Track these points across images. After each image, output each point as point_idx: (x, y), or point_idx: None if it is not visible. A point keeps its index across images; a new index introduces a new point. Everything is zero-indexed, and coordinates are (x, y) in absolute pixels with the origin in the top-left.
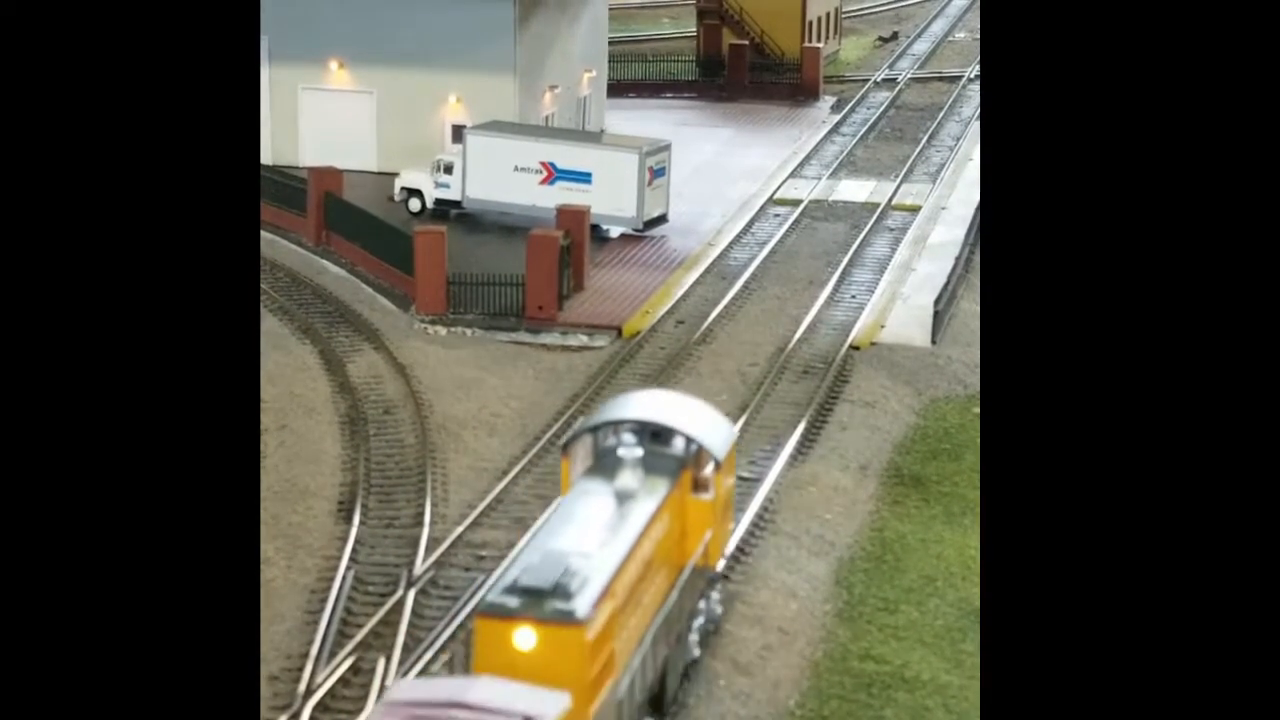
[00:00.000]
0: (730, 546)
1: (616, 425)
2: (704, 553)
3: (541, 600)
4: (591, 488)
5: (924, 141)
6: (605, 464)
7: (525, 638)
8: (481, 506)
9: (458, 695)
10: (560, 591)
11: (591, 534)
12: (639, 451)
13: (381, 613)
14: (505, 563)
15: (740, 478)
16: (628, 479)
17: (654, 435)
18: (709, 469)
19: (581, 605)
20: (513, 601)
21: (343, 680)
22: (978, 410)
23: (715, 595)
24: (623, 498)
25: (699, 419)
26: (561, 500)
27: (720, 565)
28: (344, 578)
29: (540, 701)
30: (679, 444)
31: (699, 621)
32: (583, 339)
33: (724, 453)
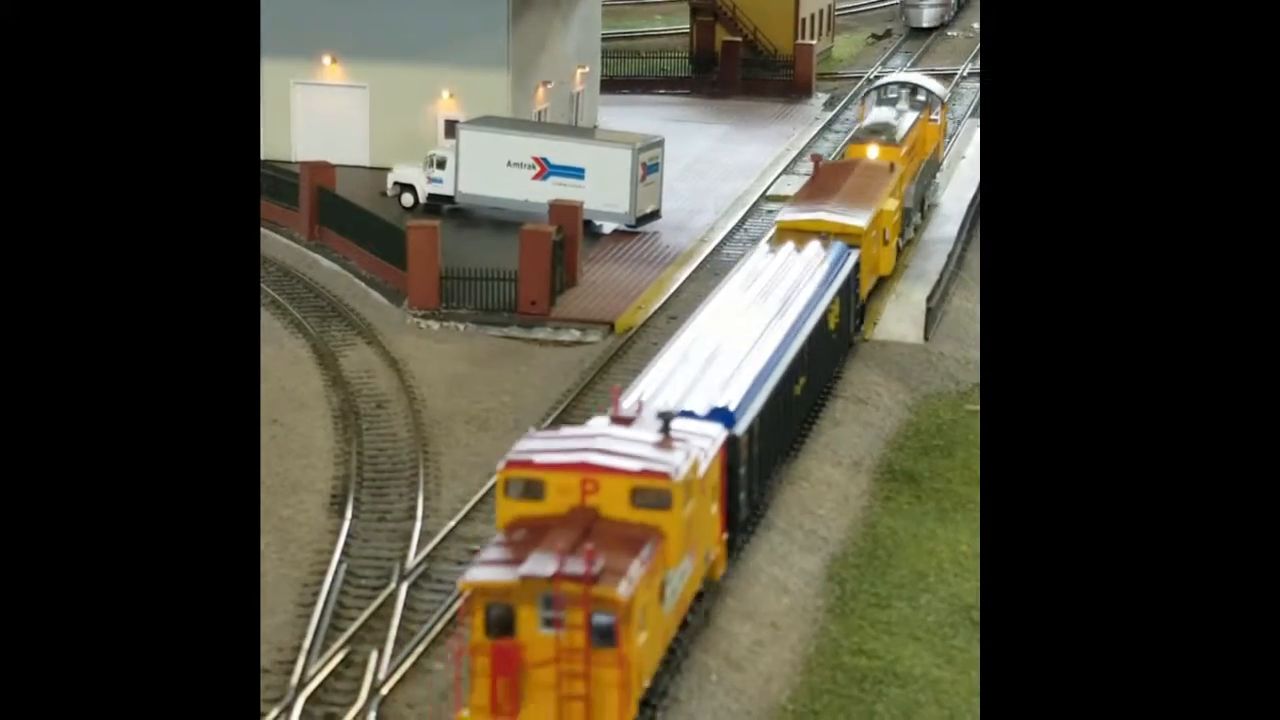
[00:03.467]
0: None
1: (888, 85)
2: (934, 153)
3: (879, 134)
4: (882, 108)
5: None
6: (885, 101)
7: (873, 150)
8: (474, 501)
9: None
10: (887, 130)
11: (892, 120)
12: (903, 92)
13: (374, 606)
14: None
15: None
16: (901, 105)
17: (911, 90)
18: (937, 109)
19: (898, 136)
20: (865, 136)
21: (335, 673)
22: (970, 406)
23: (938, 177)
24: (899, 113)
25: (932, 82)
26: (864, 116)
27: (942, 161)
28: (336, 571)
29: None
30: (922, 94)
31: (931, 186)
32: (575, 334)
33: (945, 99)
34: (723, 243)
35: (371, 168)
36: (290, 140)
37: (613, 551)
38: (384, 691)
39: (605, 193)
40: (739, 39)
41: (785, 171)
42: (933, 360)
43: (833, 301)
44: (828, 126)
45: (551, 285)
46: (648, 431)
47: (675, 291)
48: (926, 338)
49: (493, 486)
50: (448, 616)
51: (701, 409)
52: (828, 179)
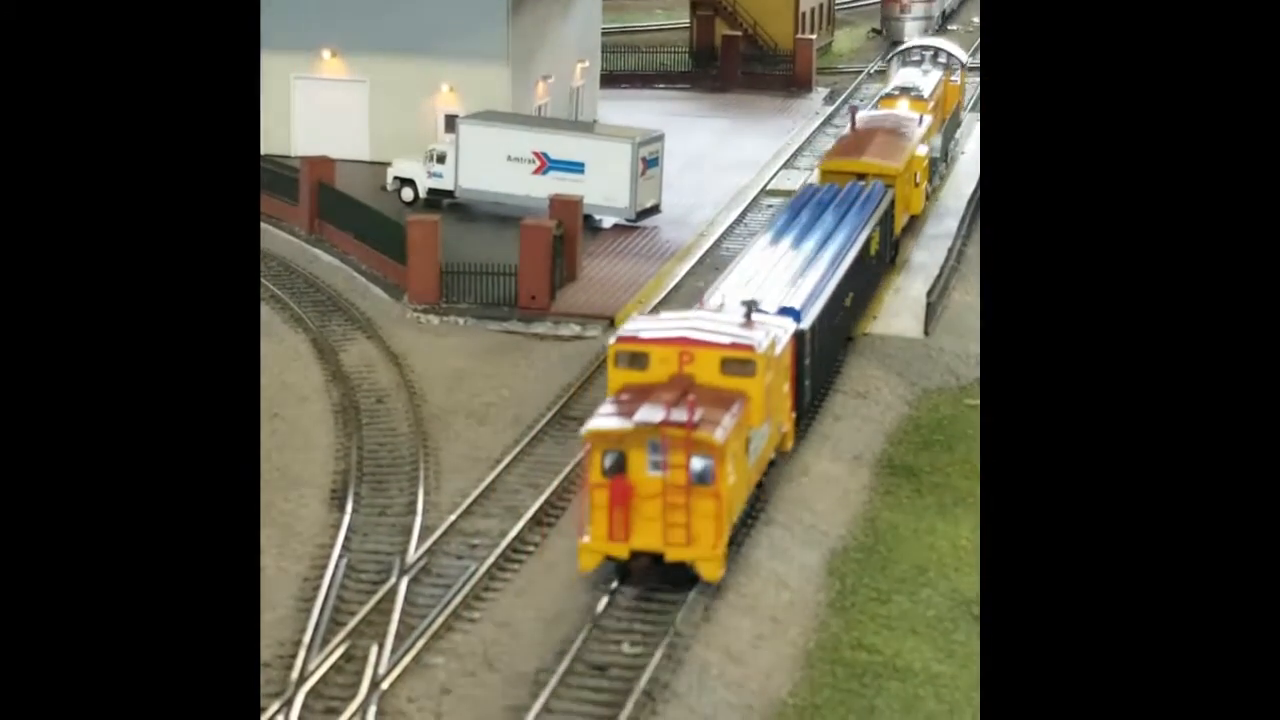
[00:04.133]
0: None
1: (912, 49)
2: (955, 110)
3: (908, 90)
4: (908, 69)
5: None
6: (911, 63)
7: (903, 105)
8: (474, 495)
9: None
10: (916, 91)
11: (918, 79)
12: (927, 55)
13: (374, 601)
14: (885, 85)
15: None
16: (926, 67)
17: (934, 53)
18: (957, 71)
19: (925, 93)
20: (896, 93)
21: (335, 667)
22: (970, 401)
23: (957, 133)
24: (924, 72)
25: (953, 46)
26: (890, 79)
27: (962, 116)
28: (336, 566)
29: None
30: (944, 57)
31: (954, 141)
32: (575, 329)
33: (966, 62)
34: (723, 237)
35: (371, 162)
36: (290, 135)
37: (708, 408)
38: (384, 686)
39: (605, 187)
40: (739, 33)
41: (785, 166)
42: (933, 355)
43: (873, 231)
44: (828, 121)
45: (551, 280)
46: (733, 316)
47: (675, 286)
48: (927, 332)
49: (493, 480)
50: (449, 610)
51: (774, 307)
52: (864, 129)
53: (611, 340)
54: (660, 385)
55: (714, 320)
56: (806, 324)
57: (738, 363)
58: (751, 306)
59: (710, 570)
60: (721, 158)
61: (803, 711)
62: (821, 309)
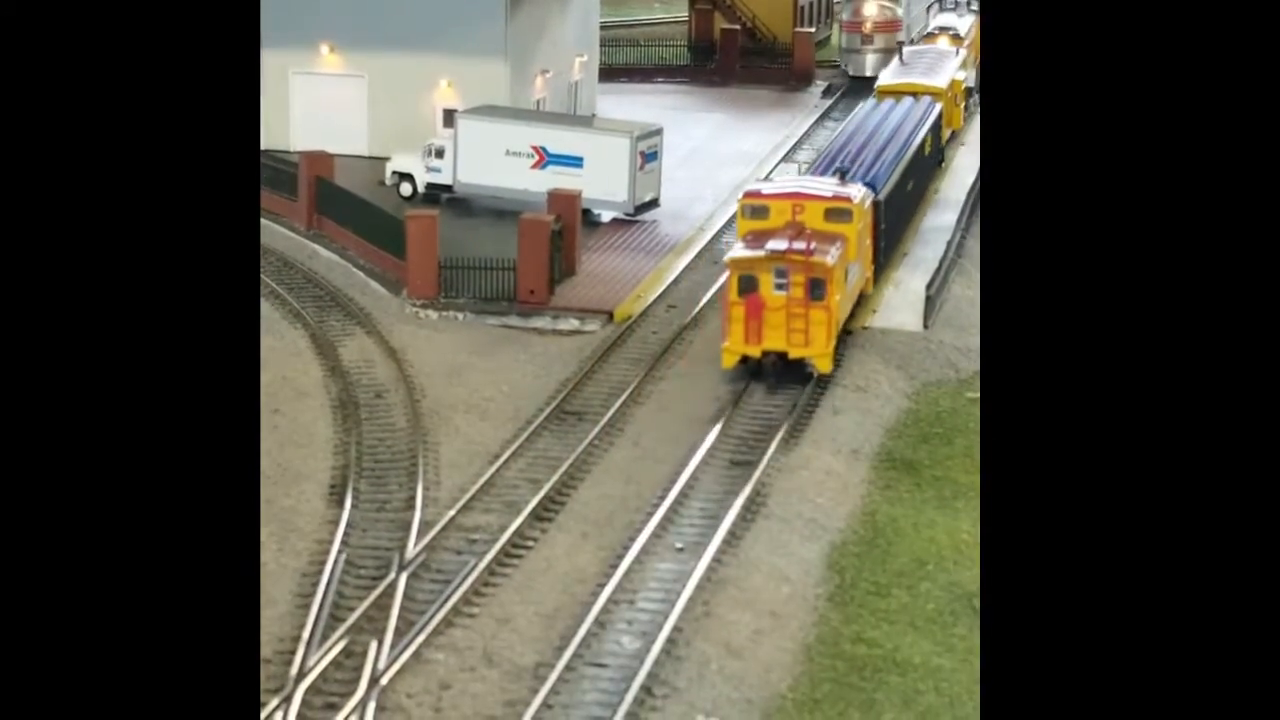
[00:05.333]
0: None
1: None
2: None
3: (946, 30)
4: (945, 14)
5: None
6: (947, 9)
7: (943, 41)
8: (473, 490)
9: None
10: (953, 30)
11: (955, 21)
12: (961, 2)
13: (373, 596)
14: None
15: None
16: (960, 11)
17: (968, 1)
18: None
19: (960, 31)
20: (936, 31)
21: (335, 663)
22: (970, 394)
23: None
24: (959, 16)
25: None
26: (929, 20)
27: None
28: (336, 561)
29: (953, 50)
30: (976, 3)
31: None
32: (574, 323)
33: None
34: (722, 231)
35: (370, 157)
36: (288, 130)
37: (818, 243)
38: (383, 682)
39: (604, 181)
40: (737, 27)
41: (784, 160)
42: (932, 348)
43: (926, 135)
44: (826, 114)
45: (550, 274)
46: (830, 180)
47: (674, 280)
48: (926, 326)
49: (492, 475)
50: (448, 606)
51: (858, 181)
52: (910, 59)
53: (739, 195)
54: (778, 229)
55: (817, 181)
56: (883, 196)
57: (838, 211)
58: (844, 171)
59: (823, 364)
60: (720, 151)
61: (802, 706)
62: (892, 187)
